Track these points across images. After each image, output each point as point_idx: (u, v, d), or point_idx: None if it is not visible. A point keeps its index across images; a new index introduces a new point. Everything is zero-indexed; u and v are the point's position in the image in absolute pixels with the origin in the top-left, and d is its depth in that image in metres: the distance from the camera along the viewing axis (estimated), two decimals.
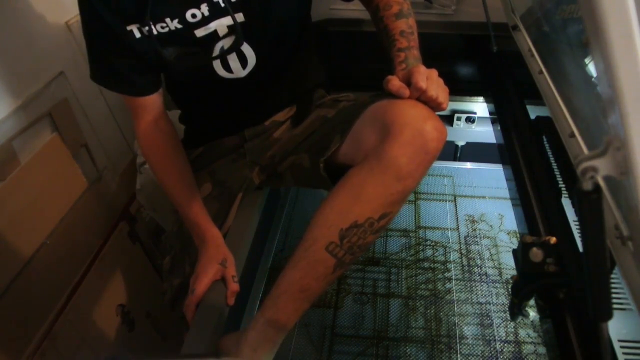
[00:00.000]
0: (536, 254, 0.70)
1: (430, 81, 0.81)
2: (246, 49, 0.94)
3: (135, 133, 1.01)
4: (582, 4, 0.42)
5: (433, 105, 0.80)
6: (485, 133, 1.57)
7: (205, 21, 0.88)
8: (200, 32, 0.89)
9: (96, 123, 1.28)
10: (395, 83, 0.82)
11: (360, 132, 0.86)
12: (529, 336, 1.04)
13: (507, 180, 1.19)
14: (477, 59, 1.57)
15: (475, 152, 1.70)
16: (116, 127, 1.40)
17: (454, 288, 1.15)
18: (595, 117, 0.72)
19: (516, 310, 0.79)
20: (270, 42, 0.95)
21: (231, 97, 1.03)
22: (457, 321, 1.07)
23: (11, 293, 1.00)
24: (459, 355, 1.01)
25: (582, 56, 0.88)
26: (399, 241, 1.27)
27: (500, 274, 1.18)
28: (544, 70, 1.01)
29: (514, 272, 0.76)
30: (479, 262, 1.21)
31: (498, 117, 1.25)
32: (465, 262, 1.21)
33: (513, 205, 1.10)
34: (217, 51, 0.92)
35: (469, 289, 1.14)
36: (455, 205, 1.37)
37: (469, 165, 1.53)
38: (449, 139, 1.66)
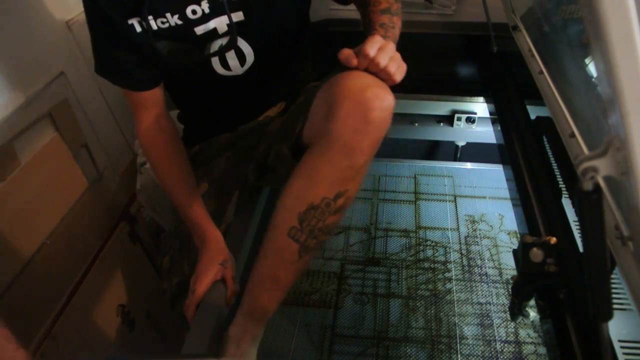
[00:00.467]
0: (536, 254, 0.70)
1: (382, 51, 0.76)
2: (245, 46, 0.94)
3: (136, 131, 1.00)
4: (582, 4, 0.42)
5: (383, 76, 0.76)
6: (485, 133, 1.57)
7: (205, 18, 0.88)
8: (199, 30, 0.89)
9: (96, 123, 1.28)
10: (344, 52, 0.78)
11: (313, 111, 0.83)
12: (529, 336, 1.04)
13: (507, 180, 1.19)
14: (477, 59, 1.57)
15: (475, 152, 1.70)
16: (116, 127, 1.40)
17: (454, 288, 1.15)
18: (595, 117, 0.72)
19: (516, 310, 0.79)
20: (269, 40, 0.95)
21: (227, 94, 1.03)
22: (457, 321, 1.07)
23: (11, 293, 1.00)
24: (459, 355, 1.01)
25: (582, 56, 0.88)
26: (399, 241, 1.27)
27: (500, 274, 1.18)
28: (544, 70, 1.01)
29: (514, 272, 0.76)
30: (479, 262, 1.21)
31: (498, 117, 1.25)
32: (465, 262, 1.21)
33: (513, 205, 1.10)
34: (214, 48, 0.92)
35: (469, 289, 1.14)
36: (455, 205, 1.37)
37: (469, 165, 1.53)
38: (449, 139, 1.67)
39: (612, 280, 0.54)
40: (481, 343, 1.03)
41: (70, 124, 1.19)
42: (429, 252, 1.24)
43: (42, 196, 1.10)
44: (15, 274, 1.01)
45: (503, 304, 1.10)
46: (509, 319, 1.07)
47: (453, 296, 1.13)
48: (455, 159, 1.77)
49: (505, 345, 1.02)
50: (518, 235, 1.22)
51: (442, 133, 1.64)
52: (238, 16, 0.90)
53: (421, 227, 1.31)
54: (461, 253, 1.23)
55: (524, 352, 1.01)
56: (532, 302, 0.83)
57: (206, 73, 0.96)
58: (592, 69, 0.84)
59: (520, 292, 0.76)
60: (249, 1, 0.89)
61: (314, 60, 1.16)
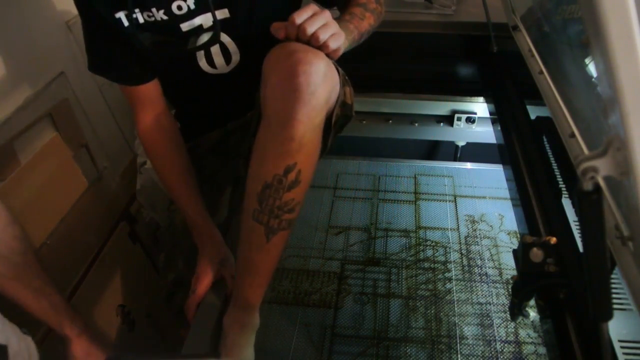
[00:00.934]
0: (536, 254, 0.70)
1: (312, 19, 0.72)
2: (230, 44, 0.93)
3: (136, 129, 1.00)
4: (582, 4, 0.42)
5: (314, 43, 0.72)
6: (485, 133, 1.57)
7: (190, 14, 0.88)
8: (185, 26, 0.89)
9: (96, 123, 1.28)
10: (274, 24, 0.74)
11: (260, 94, 0.80)
12: (529, 336, 1.04)
13: (507, 180, 1.19)
14: (477, 59, 1.57)
15: (475, 152, 1.70)
16: (116, 127, 1.40)
17: (454, 288, 1.15)
18: (595, 117, 0.72)
19: (516, 310, 0.79)
20: (255, 38, 0.92)
21: (214, 92, 1.02)
22: (457, 321, 1.07)
23: None
24: (459, 355, 1.01)
25: (582, 56, 0.88)
26: (399, 241, 1.27)
27: (500, 274, 1.18)
28: (544, 70, 1.01)
29: (514, 272, 0.76)
30: (479, 262, 1.21)
31: (498, 117, 1.25)
32: (465, 262, 1.21)
33: (513, 205, 1.10)
34: (199, 43, 0.91)
35: (469, 289, 1.14)
36: (455, 205, 1.37)
37: (469, 165, 1.53)
38: (449, 139, 1.67)
39: (612, 280, 0.54)
40: (481, 343, 1.03)
41: (70, 124, 1.19)
42: (429, 252, 1.24)
43: (42, 196, 1.10)
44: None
45: (503, 304, 1.10)
46: (509, 319, 1.07)
47: (453, 296, 1.13)
48: (455, 159, 1.77)
49: (505, 345, 1.02)
50: (518, 235, 1.22)
51: (442, 133, 1.64)
52: (223, 13, 0.89)
53: (421, 227, 1.31)
54: (461, 253, 1.23)
55: (524, 352, 1.01)
56: (532, 302, 0.83)
57: (192, 69, 0.95)
58: (592, 69, 0.84)
59: (520, 292, 0.76)
60: None
61: None
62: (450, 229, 1.30)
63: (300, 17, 0.71)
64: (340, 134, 1.07)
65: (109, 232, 1.32)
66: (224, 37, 0.93)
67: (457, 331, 1.05)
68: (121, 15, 0.86)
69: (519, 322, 1.06)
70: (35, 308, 0.86)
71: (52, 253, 1.10)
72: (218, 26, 0.89)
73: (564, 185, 0.92)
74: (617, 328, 0.86)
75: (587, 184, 0.44)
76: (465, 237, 1.27)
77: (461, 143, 1.71)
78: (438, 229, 1.30)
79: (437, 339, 1.04)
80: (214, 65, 0.95)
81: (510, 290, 1.05)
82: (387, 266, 1.20)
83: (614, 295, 0.56)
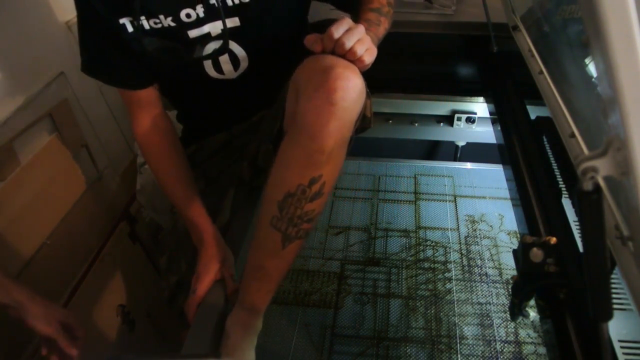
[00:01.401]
0: (536, 254, 0.70)
1: (349, 33, 0.73)
2: (239, 51, 0.93)
3: (133, 131, 1.00)
4: (582, 4, 0.42)
5: (350, 58, 0.73)
6: (485, 133, 1.57)
7: (199, 22, 0.88)
8: (193, 33, 0.89)
9: (96, 123, 1.28)
10: (309, 37, 0.75)
11: (287, 101, 0.83)
12: (529, 336, 1.04)
13: (507, 180, 1.19)
14: (477, 59, 1.57)
15: (475, 152, 1.70)
16: (116, 127, 1.40)
17: (454, 288, 1.15)
18: (595, 117, 0.72)
19: (516, 310, 0.79)
20: (264, 46, 0.94)
21: (220, 96, 1.02)
22: (457, 321, 1.07)
23: None
24: (458, 355, 1.01)
25: (582, 56, 0.88)
26: (399, 241, 1.27)
27: (500, 274, 1.18)
28: (544, 70, 1.01)
29: (514, 272, 0.76)
30: (479, 262, 1.21)
31: (498, 117, 1.25)
32: (465, 262, 1.21)
33: (513, 205, 1.09)
34: (207, 51, 0.91)
35: (469, 289, 1.14)
36: (455, 205, 1.37)
37: (469, 165, 1.53)
38: (449, 138, 1.67)
39: (612, 280, 0.54)
40: (481, 343, 1.03)
41: (70, 124, 1.19)
42: (429, 252, 1.24)
43: (42, 196, 1.10)
44: (16, 274, 1.01)
45: (503, 304, 1.10)
46: (509, 319, 1.07)
47: (453, 296, 1.13)
48: (455, 159, 1.77)
49: (505, 345, 1.02)
50: (518, 235, 1.22)
51: (442, 133, 1.64)
52: (234, 22, 0.89)
53: (421, 227, 1.31)
54: (461, 253, 1.23)
55: (524, 352, 1.01)
56: (532, 302, 0.83)
57: (198, 75, 0.95)
58: (592, 69, 0.84)
59: (520, 292, 0.76)
60: (245, 6, 0.88)
61: None
62: (450, 229, 1.30)
63: (337, 31, 0.72)
64: None
65: (109, 232, 1.32)
66: (233, 45, 0.93)
67: (457, 331, 1.05)
68: (125, 21, 0.86)
69: (519, 322, 1.06)
70: None
71: (52, 253, 1.10)
72: (227, 36, 0.89)
73: (564, 185, 0.92)
74: (617, 328, 0.86)
75: (587, 184, 0.44)
76: (465, 237, 1.27)
77: (461, 143, 1.71)
78: (438, 229, 1.30)
79: (437, 339, 1.04)
80: (221, 72, 0.95)
81: (510, 290, 1.05)
82: (387, 266, 1.20)
83: (614, 295, 0.56)
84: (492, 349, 1.02)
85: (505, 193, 1.36)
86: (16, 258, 1.02)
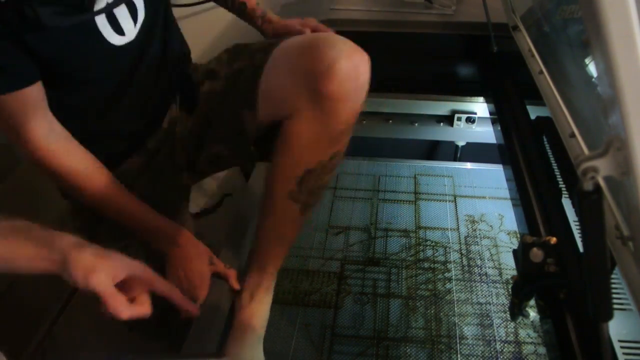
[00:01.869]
0: (536, 254, 0.70)
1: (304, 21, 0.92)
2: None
3: (28, 147, 0.74)
4: (582, 4, 0.42)
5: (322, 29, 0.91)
6: (485, 133, 1.57)
7: None
8: None
9: None
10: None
11: (276, 90, 0.83)
12: (529, 336, 1.04)
13: (507, 180, 1.19)
14: (477, 59, 1.57)
15: (475, 152, 1.70)
16: None
17: (454, 288, 1.15)
18: (595, 117, 0.72)
19: (516, 310, 0.79)
20: None
21: (123, 81, 0.81)
22: (457, 321, 1.07)
23: (11, 293, 1.00)
24: (458, 355, 1.01)
25: (582, 56, 0.88)
26: (399, 241, 1.27)
27: (500, 274, 1.18)
28: (544, 70, 1.01)
29: (514, 272, 0.76)
30: (479, 262, 1.21)
31: (498, 117, 1.25)
32: (465, 262, 1.21)
33: (513, 205, 1.10)
34: (101, 4, 0.70)
35: (468, 289, 1.14)
36: (455, 205, 1.37)
37: (469, 165, 1.53)
38: (449, 138, 1.67)
39: (612, 280, 0.54)
40: (481, 343, 1.03)
41: None
42: (429, 252, 1.24)
43: (42, 196, 1.10)
44: (15, 275, 1.01)
45: (503, 304, 1.10)
46: (509, 319, 1.07)
47: (453, 296, 1.13)
48: (455, 159, 1.77)
49: (505, 345, 1.02)
50: (518, 235, 1.22)
51: (442, 133, 1.64)
52: None
53: (421, 227, 1.31)
54: (461, 253, 1.23)
55: (524, 352, 1.01)
56: (532, 302, 0.83)
57: (95, 44, 0.74)
58: (592, 69, 0.84)
59: (520, 292, 0.76)
60: None
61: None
62: (450, 229, 1.30)
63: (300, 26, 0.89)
64: None
65: None
66: None
67: (457, 331, 1.05)
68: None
69: (519, 322, 1.06)
70: None
71: None
72: None
73: (564, 185, 0.92)
74: (617, 328, 0.86)
75: (587, 184, 0.44)
76: (465, 237, 1.27)
77: (461, 143, 1.71)
78: (438, 229, 1.30)
79: (437, 339, 1.04)
80: (121, 32, 0.75)
81: (510, 290, 1.05)
82: (387, 266, 1.20)
83: (614, 295, 0.56)
84: (492, 349, 1.02)
85: (505, 193, 1.36)
86: None
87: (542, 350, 1.00)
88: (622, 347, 0.85)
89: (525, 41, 1.13)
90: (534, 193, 0.92)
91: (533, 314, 1.03)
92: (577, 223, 0.83)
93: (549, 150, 1.00)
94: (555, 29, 1.05)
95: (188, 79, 0.97)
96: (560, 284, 0.71)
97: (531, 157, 1.00)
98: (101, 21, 0.73)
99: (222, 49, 0.98)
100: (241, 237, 1.14)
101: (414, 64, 1.65)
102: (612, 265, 0.59)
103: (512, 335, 1.04)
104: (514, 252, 0.76)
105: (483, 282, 1.16)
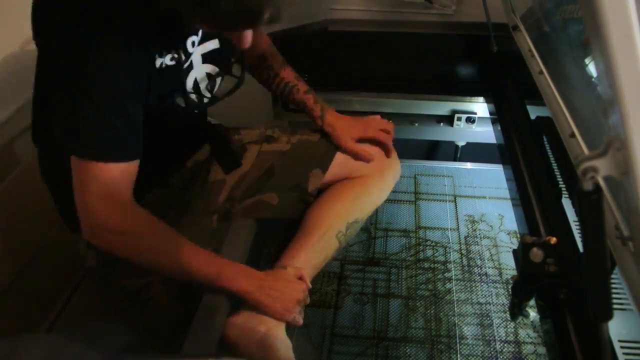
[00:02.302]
0: (536, 254, 0.70)
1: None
2: (217, 76, 0.91)
3: (119, 213, 0.77)
4: (582, 4, 0.42)
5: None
6: (485, 133, 1.57)
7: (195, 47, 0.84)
8: (185, 64, 0.83)
9: None
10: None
11: (348, 160, 1.08)
12: (528, 336, 1.04)
13: (507, 180, 1.19)
14: (477, 59, 1.57)
15: (475, 152, 1.70)
16: None
17: (454, 288, 1.15)
18: (595, 117, 0.72)
19: (516, 310, 0.79)
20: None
21: (166, 133, 0.89)
22: (456, 321, 1.07)
23: (11, 293, 1.00)
24: (458, 355, 1.01)
25: (582, 56, 0.88)
26: (399, 241, 1.27)
27: (500, 274, 1.18)
28: (544, 70, 1.01)
29: (514, 272, 0.76)
30: (478, 262, 1.21)
31: (498, 117, 1.25)
32: (465, 262, 1.21)
33: (513, 205, 1.09)
34: (190, 84, 0.84)
35: (468, 289, 1.14)
36: (455, 205, 1.37)
37: (469, 165, 1.53)
38: (449, 138, 1.67)
39: (612, 280, 0.54)
40: (481, 343, 1.03)
41: None
42: (429, 252, 1.24)
43: (42, 196, 1.10)
44: (15, 274, 1.01)
45: (503, 304, 1.11)
46: (509, 319, 1.07)
47: (453, 296, 1.13)
48: (455, 159, 1.77)
49: (505, 345, 1.02)
50: (518, 235, 1.22)
51: (442, 133, 1.64)
52: (215, 43, 0.88)
53: (421, 227, 1.31)
54: (461, 253, 1.23)
55: (524, 352, 1.01)
56: (532, 302, 0.83)
57: (167, 111, 0.84)
58: (592, 69, 0.84)
59: (520, 292, 0.76)
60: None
61: (314, 60, 1.17)
62: (450, 229, 1.30)
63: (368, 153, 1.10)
64: None
65: None
66: (210, 67, 0.89)
67: (457, 331, 1.05)
68: (163, 59, 0.76)
69: (519, 322, 1.06)
70: None
71: (51, 253, 1.10)
72: (245, 61, 0.89)
73: (564, 185, 0.92)
74: (617, 328, 0.86)
75: (587, 184, 0.44)
76: (465, 237, 1.27)
77: (461, 143, 1.71)
78: (438, 229, 1.30)
79: (436, 339, 1.04)
80: (200, 98, 0.87)
81: (510, 290, 1.05)
82: (387, 266, 1.20)
83: (614, 295, 0.56)
84: (491, 349, 1.02)
85: (505, 193, 1.36)
86: (16, 257, 1.02)
87: (542, 350, 1.00)
88: (622, 347, 0.85)
89: (525, 41, 1.13)
90: (534, 193, 0.92)
91: (533, 314, 1.03)
92: (577, 223, 0.83)
93: (549, 150, 1.00)
94: (555, 29, 1.05)
95: (212, 128, 1.09)
96: (560, 284, 0.71)
97: (531, 157, 1.00)
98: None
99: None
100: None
101: (414, 64, 1.65)
102: (612, 265, 0.59)
103: (512, 335, 1.04)
104: (514, 252, 0.76)
105: (483, 282, 1.16)
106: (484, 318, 1.08)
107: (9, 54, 1.02)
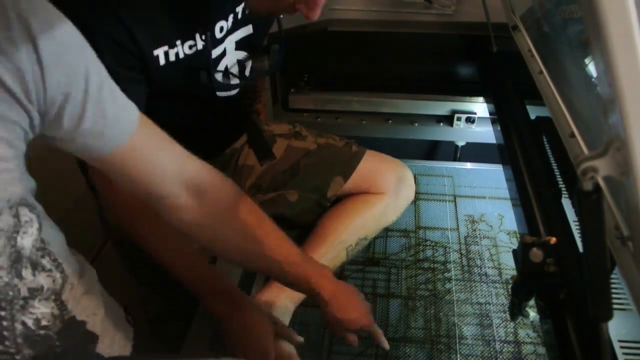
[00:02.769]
0: (536, 254, 0.70)
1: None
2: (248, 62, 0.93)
3: (123, 206, 0.80)
4: (582, 4, 0.42)
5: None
6: (485, 133, 1.57)
7: (226, 34, 0.86)
8: (216, 51, 0.85)
9: None
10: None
11: (370, 174, 1.14)
12: (528, 336, 1.04)
13: (507, 180, 1.19)
14: (477, 59, 1.57)
15: (475, 152, 1.70)
16: None
17: (454, 288, 1.15)
18: (595, 117, 0.72)
19: (516, 310, 0.79)
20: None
21: (203, 118, 0.97)
22: (456, 321, 1.07)
23: None
24: (458, 355, 1.01)
25: (582, 56, 0.88)
26: (399, 241, 1.27)
27: (500, 274, 1.18)
28: (544, 70, 1.01)
29: (514, 272, 0.76)
30: (478, 262, 1.21)
31: (498, 117, 1.25)
32: (465, 262, 1.21)
33: (513, 205, 1.09)
34: (220, 68, 0.87)
35: (468, 289, 1.14)
36: (455, 205, 1.37)
37: (468, 165, 1.53)
38: (449, 139, 1.67)
39: (612, 280, 0.54)
40: (481, 343, 1.03)
41: None
42: (429, 252, 1.24)
43: (42, 196, 1.09)
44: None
45: (503, 304, 1.10)
46: (509, 319, 1.07)
47: (452, 296, 1.13)
48: (455, 159, 1.77)
49: (505, 345, 1.02)
50: (518, 235, 1.22)
51: (441, 133, 1.64)
52: (247, 30, 0.89)
53: (421, 227, 1.31)
54: (461, 253, 1.23)
55: (524, 352, 1.01)
56: (532, 302, 0.83)
57: (198, 95, 0.90)
58: (592, 69, 0.84)
59: (520, 292, 0.76)
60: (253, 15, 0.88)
61: (312, 59, 1.19)
62: (450, 229, 1.30)
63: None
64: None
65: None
66: (243, 54, 0.91)
67: (457, 331, 1.05)
68: (160, 52, 0.77)
69: (519, 322, 1.06)
70: None
71: None
72: (283, 40, 0.90)
73: (564, 185, 0.92)
74: (617, 328, 0.86)
75: (587, 184, 0.44)
76: (465, 237, 1.27)
77: (461, 143, 1.71)
78: (438, 229, 1.30)
79: (436, 339, 1.04)
80: (221, 86, 0.90)
81: (510, 290, 1.05)
82: (387, 266, 1.20)
83: (614, 295, 0.55)
84: (491, 349, 1.02)
85: (505, 193, 1.36)
86: None
87: (542, 350, 1.00)
88: (622, 347, 0.85)
89: (525, 41, 1.13)
90: (534, 193, 0.92)
91: (533, 314, 1.03)
92: (577, 223, 0.83)
93: (548, 150, 1.00)
94: (555, 29, 1.05)
95: (253, 125, 1.15)
96: (560, 284, 0.71)
97: (531, 157, 1.00)
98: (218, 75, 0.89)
99: None
100: None
101: (414, 64, 1.65)
102: (612, 265, 0.59)
103: (511, 335, 1.04)
104: (514, 252, 0.76)
105: (483, 282, 1.16)
106: (484, 318, 1.08)
107: None
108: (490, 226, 1.31)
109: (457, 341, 1.03)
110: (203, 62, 0.83)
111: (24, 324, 0.54)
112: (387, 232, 1.30)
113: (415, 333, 1.05)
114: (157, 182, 0.64)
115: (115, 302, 0.73)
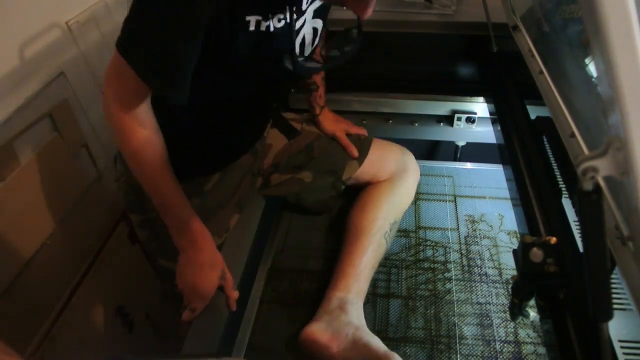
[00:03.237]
0: (536, 254, 0.70)
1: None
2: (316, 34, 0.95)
3: (134, 143, 0.85)
4: (582, 4, 0.42)
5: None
6: (485, 133, 1.57)
7: (307, 6, 0.87)
8: (298, 23, 0.85)
9: (96, 123, 1.28)
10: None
11: (377, 159, 1.22)
12: (528, 336, 1.04)
13: (507, 180, 1.19)
14: (477, 59, 1.57)
15: (475, 152, 1.70)
16: None
17: (454, 288, 1.15)
18: (595, 117, 0.72)
19: (516, 310, 0.79)
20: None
21: (261, 99, 1.01)
22: (456, 321, 1.07)
23: (11, 293, 1.00)
24: (458, 355, 1.01)
25: (582, 56, 0.88)
26: (399, 241, 1.27)
27: (500, 274, 1.18)
28: (544, 70, 1.01)
29: (514, 272, 0.76)
30: (478, 262, 1.21)
31: (498, 117, 1.25)
32: (465, 262, 1.21)
33: (513, 205, 1.10)
34: (298, 42, 0.88)
35: (468, 289, 1.14)
36: (455, 205, 1.37)
37: (468, 165, 1.53)
38: (449, 138, 1.67)
39: (612, 280, 0.54)
40: (481, 343, 1.03)
41: (70, 125, 1.19)
42: (429, 252, 1.24)
43: (42, 196, 1.10)
44: (15, 274, 1.01)
45: (503, 304, 1.10)
46: (509, 319, 1.07)
47: (453, 296, 1.13)
48: (455, 159, 1.77)
49: (505, 345, 1.02)
50: (518, 235, 1.22)
51: (442, 133, 1.64)
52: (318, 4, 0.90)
53: (421, 227, 1.31)
54: (461, 253, 1.23)
55: (524, 352, 1.01)
56: (532, 302, 0.83)
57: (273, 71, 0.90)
58: (592, 69, 0.84)
59: (520, 292, 0.76)
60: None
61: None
62: (450, 229, 1.30)
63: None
64: None
65: (108, 232, 1.32)
66: (319, 22, 0.93)
67: (457, 331, 1.05)
68: (252, 18, 0.76)
69: (519, 322, 1.06)
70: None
71: (51, 253, 1.10)
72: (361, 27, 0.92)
73: (564, 185, 0.92)
74: (617, 328, 0.86)
75: (587, 184, 0.44)
76: (465, 237, 1.27)
77: (461, 143, 1.71)
78: (438, 229, 1.30)
79: (436, 339, 1.04)
80: (299, 66, 0.88)
81: (510, 290, 1.05)
82: (387, 266, 1.20)
83: (614, 295, 0.56)
84: (491, 349, 1.02)
85: (505, 193, 1.36)
86: (16, 258, 1.02)
87: (542, 350, 1.00)
88: (622, 347, 0.85)
89: (525, 41, 1.13)
90: (534, 193, 0.92)
91: (533, 314, 1.03)
92: (577, 223, 0.83)
93: (549, 150, 1.00)
94: (555, 29, 1.05)
95: (276, 106, 1.24)
96: (560, 284, 0.71)
97: (531, 157, 1.00)
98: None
99: None
100: (242, 237, 1.14)
101: (414, 64, 1.65)
102: (612, 265, 0.59)
103: (512, 335, 1.04)
104: (514, 252, 0.76)
105: (483, 282, 1.16)
106: (484, 318, 1.08)
107: (9, 54, 1.02)
108: (491, 226, 1.31)
109: (457, 341, 1.03)
110: (288, 38, 0.83)
111: None
112: None
113: (416, 333, 1.05)
114: None
115: None
